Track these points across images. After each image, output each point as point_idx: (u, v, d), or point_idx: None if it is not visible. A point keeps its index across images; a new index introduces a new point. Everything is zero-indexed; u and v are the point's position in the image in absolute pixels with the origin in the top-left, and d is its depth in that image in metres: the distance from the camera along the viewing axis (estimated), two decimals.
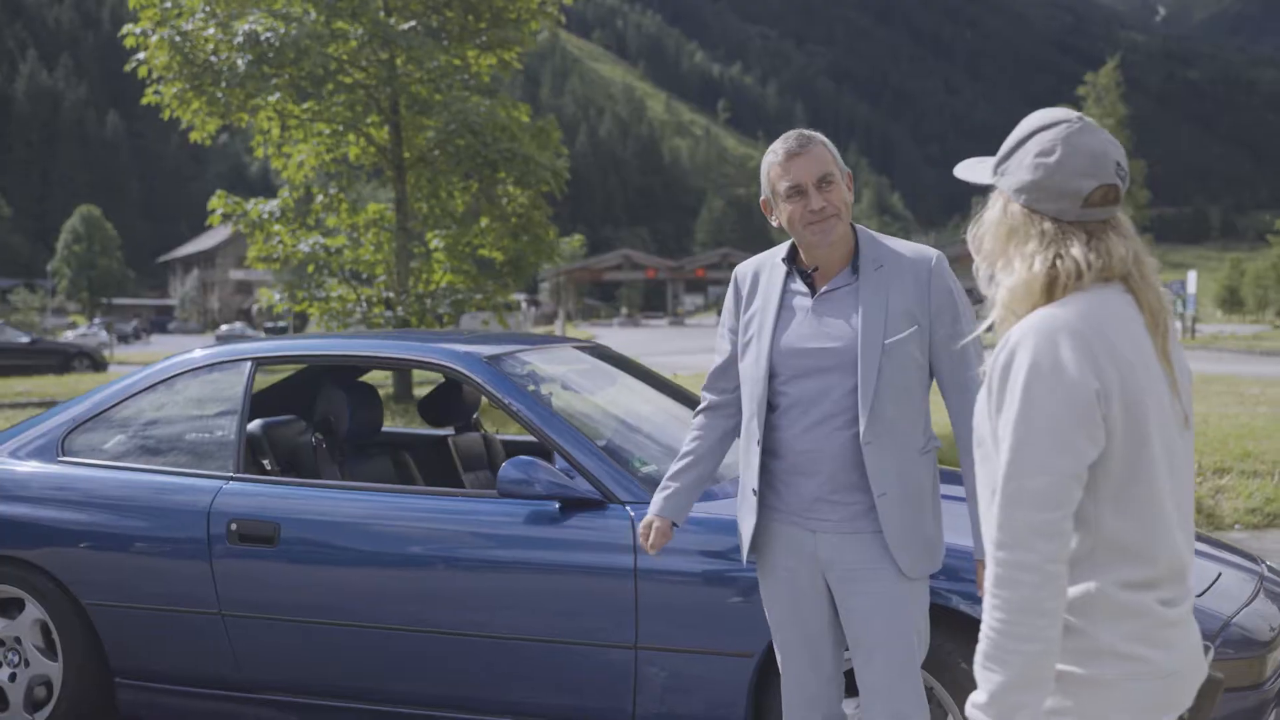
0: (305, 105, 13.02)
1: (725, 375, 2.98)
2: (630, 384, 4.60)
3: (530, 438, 5.50)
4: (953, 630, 3.14)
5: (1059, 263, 1.77)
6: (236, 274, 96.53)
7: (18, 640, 4.08)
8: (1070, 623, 1.76)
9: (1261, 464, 9.74)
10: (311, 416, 4.56)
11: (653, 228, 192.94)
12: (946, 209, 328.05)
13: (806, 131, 2.80)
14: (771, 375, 2.79)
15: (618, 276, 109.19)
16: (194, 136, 12.85)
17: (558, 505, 3.53)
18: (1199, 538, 3.93)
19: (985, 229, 1.88)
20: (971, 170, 1.98)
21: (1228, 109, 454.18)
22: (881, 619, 2.72)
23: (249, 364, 4.10)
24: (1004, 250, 1.84)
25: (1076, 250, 1.78)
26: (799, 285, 2.83)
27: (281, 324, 32.72)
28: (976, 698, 1.76)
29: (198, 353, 4.26)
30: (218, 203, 13.44)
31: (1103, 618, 1.76)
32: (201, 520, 3.84)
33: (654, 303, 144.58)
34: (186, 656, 3.92)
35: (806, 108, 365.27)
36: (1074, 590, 1.77)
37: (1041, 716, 1.75)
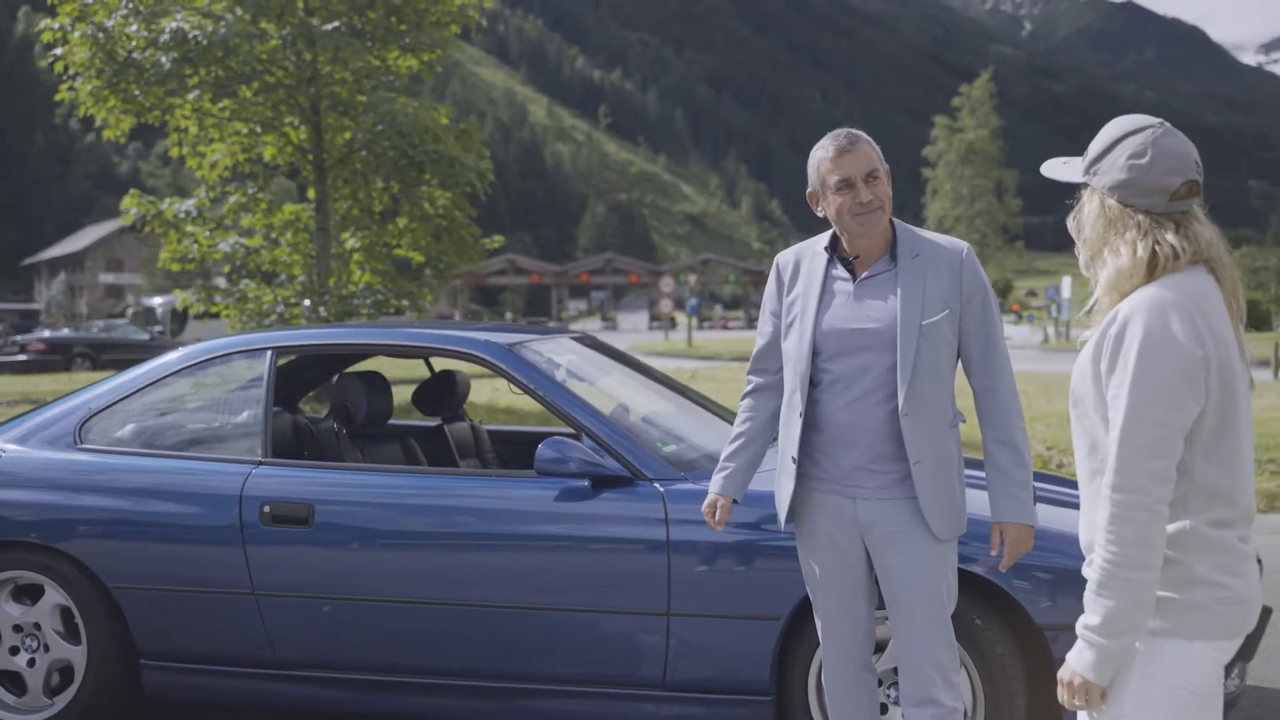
0: (222, 104, 12.93)
1: (769, 356, 3.22)
2: (625, 373, 4.83)
3: (519, 426, 5.72)
4: (965, 590, 3.44)
5: (1158, 248, 2.09)
6: (106, 277, 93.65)
7: (36, 626, 4.13)
8: (1169, 555, 2.06)
9: None
10: (296, 403, 4.67)
11: (535, 233, 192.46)
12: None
13: (854, 131, 3.06)
14: (815, 353, 3.03)
15: (502, 281, 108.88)
16: (108, 134, 12.64)
17: (589, 483, 3.75)
18: None
19: (1085, 220, 2.18)
20: (1060, 169, 2.28)
21: (1091, 121, 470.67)
22: (919, 576, 3.00)
23: (270, 353, 4.23)
24: (1106, 239, 2.14)
25: (1171, 237, 2.09)
26: (840, 271, 3.09)
27: (158, 328, 31.82)
28: (1090, 620, 2.04)
29: (217, 342, 4.36)
30: (130, 202, 13.23)
31: (1196, 551, 2.07)
32: (233, 504, 3.96)
33: (538, 307, 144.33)
34: (217, 636, 4.03)
35: (686, 114, 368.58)
36: (1172, 528, 2.07)
37: (1143, 636, 2.05)
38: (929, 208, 57.14)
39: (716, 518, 3.19)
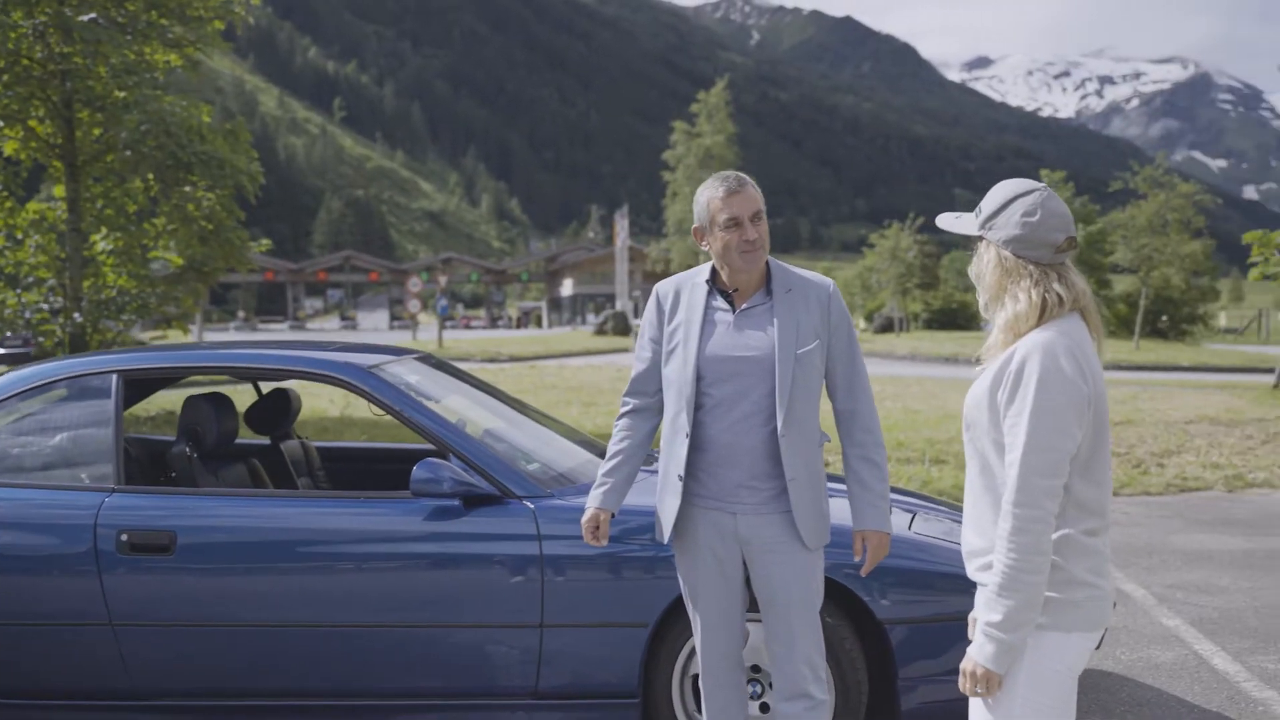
0: None
1: (647, 380, 3.46)
2: (469, 392, 4.95)
3: (353, 443, 5.72)
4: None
5: (1047, 296, 2.45)
6: None
7: None
8: (1053, 561, 2.43)
9: (913, 451, 11.27)
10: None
11: (267, 228, 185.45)
12: (563, 215, 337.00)
13: (740, 174, 3.33)
14: (699, 378, 3.29)
15: (233, 279, 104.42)
16: None
17: (460, 502, 3.88)
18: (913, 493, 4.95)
19: (985, 269, 2.52)
20: (953, 223, 2.61)
21: (813, 130, 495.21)
22: (795, 584, 3.30)
23: (115, 376, 4.13)
24: (1003, 286, 2.49)
25: (1057, 286, 2.46)
26: (720, 303, 3.34)
27: None
28: (992, 618, 2.38)
29: (56, 365, 4.21)
30: None
31: (1074, 556, 2.44)
32: (87, 533, 3.86)
33: (271, 306, 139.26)
34: (74, 670, 3.91)
35: (424, 110, 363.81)
36: (1055, 536, 2.43)
37: (1033, 630, 2.41)
38: (669, 210, 58.57)
39: (600, 531, 3.40)
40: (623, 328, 51.18)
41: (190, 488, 4.16)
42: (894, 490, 4.93)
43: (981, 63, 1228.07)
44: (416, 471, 3.82)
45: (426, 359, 5.00)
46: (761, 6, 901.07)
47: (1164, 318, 42.78)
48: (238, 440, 5.35)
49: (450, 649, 3.88)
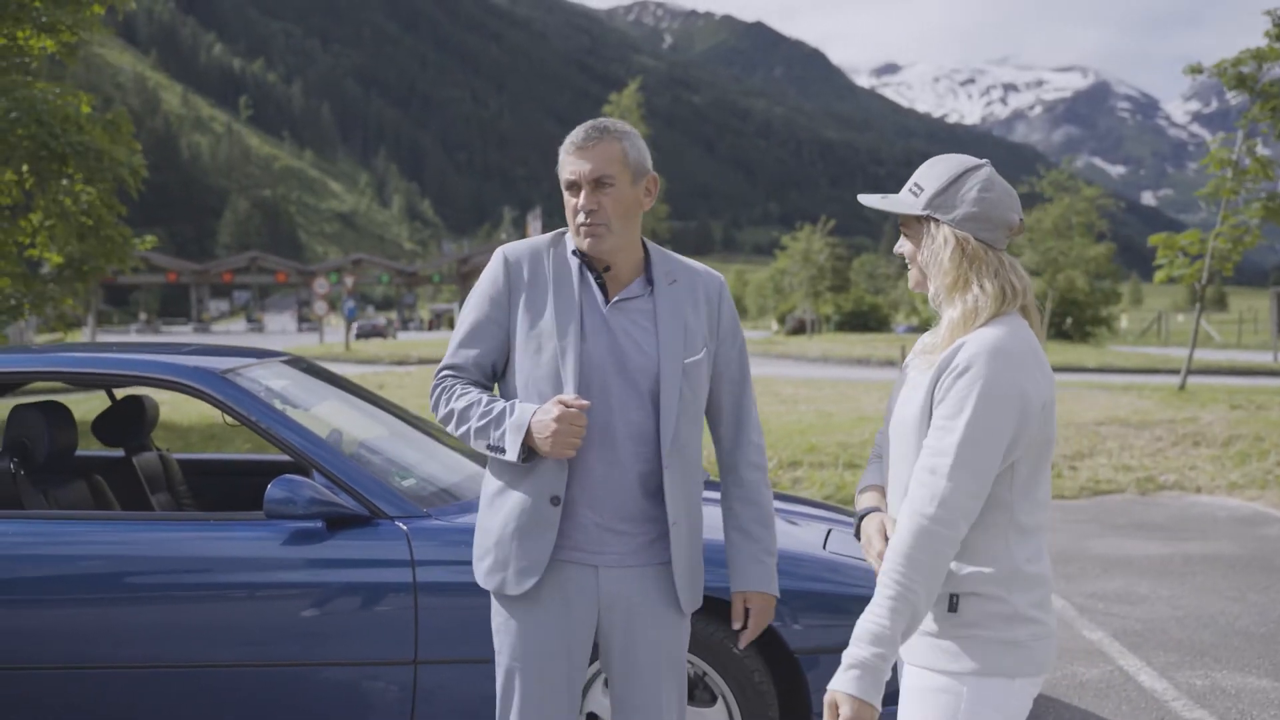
0: None
1: (478, 369, 2.62)
2: (342, 397, 4.50)
3: (218, 455, 5.22)
4: (725, 617, 3.40)
5: (1006, 287, 2.09)
6: None
7: None
8: (992, 594, 2.07)
9: (826, 455, 11.00)
10: None
11: (170, 228, 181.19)
12: (476, 217, 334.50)
13: (614, 123, 2.54)
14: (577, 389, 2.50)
15: (134, 280, 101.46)
16: None
17: (323, 524, 3.43)
18: (815, 503, 4.61)
19: (940, 254, 2.14)
20: (880, 202, 2.24)
21: (726, 133, 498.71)
22: (665, 653, 2.63)
23: None
24: (966, 275, 2.12)
25: (1013, 277, 2.11)
26: (594, 289, 2.58)
27: None
28: (869, 640, 1.99)
29: None
30: None
31: (1019, 589, 2.09)
32: None
33: (175, 308, 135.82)
34: None
35: (334, 109, 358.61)
36: (996, 569, 2.08)
37: (968, 678, 2.05)
38: None
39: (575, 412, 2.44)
40: None
41: (11, 510, 3.64)
42: (807, 503, 4.59)
43: (890, 69, 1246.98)
44: (271, 490, 3.36)
45: (296, 362, 4.53)
46: (674, 10, 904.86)
47: (1069, 320, 43.40)
48: (86, 453, 4.84)
49: (312, 690, 3.43)
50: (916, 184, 2.18)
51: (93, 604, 3.41)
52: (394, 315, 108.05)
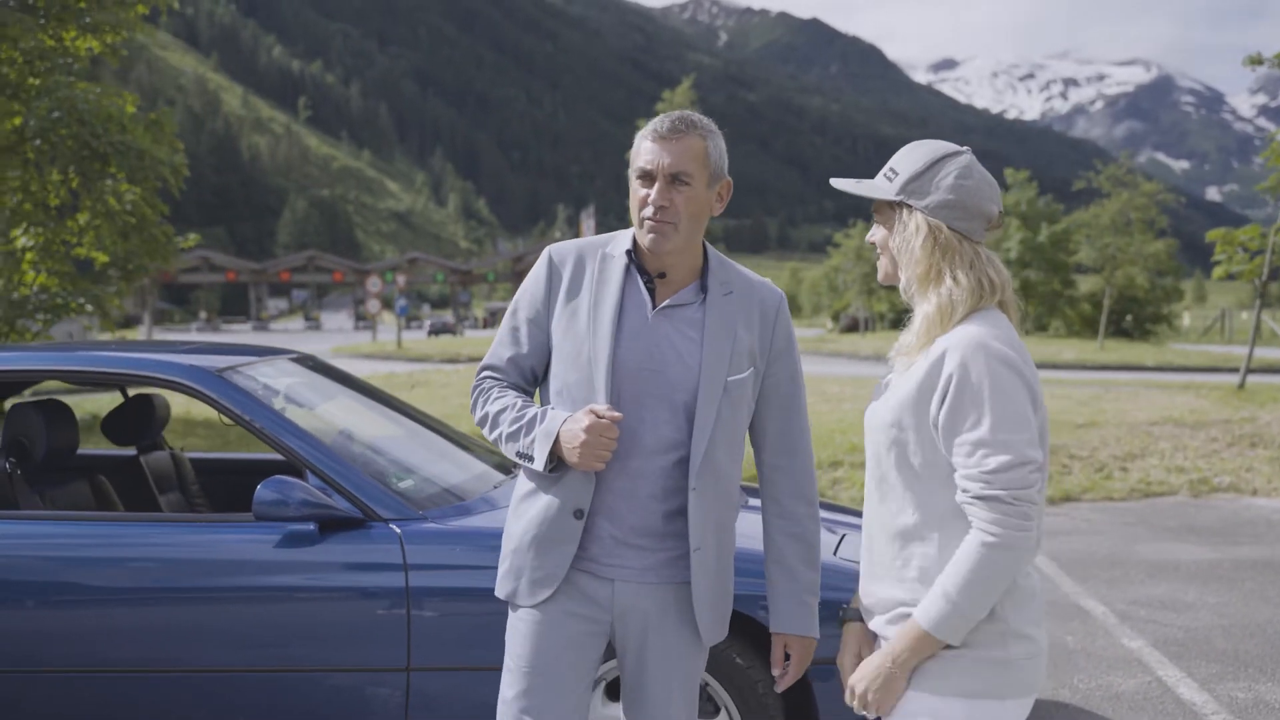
0: None
1: (514, 372, 2.52)
2: (351, 397, 4.41)
3: (235, 454, 5.16)
4: (735, 629, 3.26)
5: (983, 280, 1.95)
6: None
7: None
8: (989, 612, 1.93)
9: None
10: None
11: (230, 228, 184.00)
12: (531, 215, 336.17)
13: (697, 118, 2.39)
14: (609, 391, 2.38)
15: (195, 279, 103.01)
16: None
17: (315, 526, 3.33)
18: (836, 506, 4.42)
19: (910, 242, 2.01)
20: (853, 186, 2.10)
21: (781, 130, 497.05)
22: (677, 679, 2.51)
23: None
24: (939, 267, 1.99)
25: (991, 271, 1.96)
26: (641, 292, 2.43)
27: None
28: (935, 612, 1.92)
29: None
30: None
31: (1013, 604, 1.96)
32: None
33: (234, 306, 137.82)
34: None
35: (391, 110, 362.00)
36: None
37: (960, 700, 1.91)
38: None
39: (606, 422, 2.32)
40: None
41: (5, 511, 3.59)
42: (821, 506, 4.41)
43: (947, 65, 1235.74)
44: (260, 491, 3.27)
45: (305, 360, 4.46)
46: (729, 8, 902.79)
47: (1128, 317, 42.64)
48: (95, 451, 4.81)
49: (301, 697, 3.34)
50: (892, 169, 2.05)
51: (79, 606, 3.34)
52: (450, 313, 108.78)
